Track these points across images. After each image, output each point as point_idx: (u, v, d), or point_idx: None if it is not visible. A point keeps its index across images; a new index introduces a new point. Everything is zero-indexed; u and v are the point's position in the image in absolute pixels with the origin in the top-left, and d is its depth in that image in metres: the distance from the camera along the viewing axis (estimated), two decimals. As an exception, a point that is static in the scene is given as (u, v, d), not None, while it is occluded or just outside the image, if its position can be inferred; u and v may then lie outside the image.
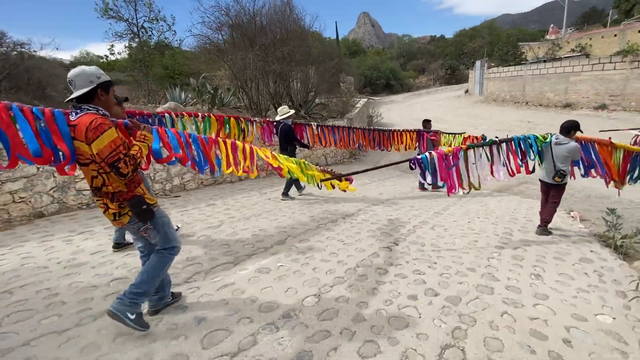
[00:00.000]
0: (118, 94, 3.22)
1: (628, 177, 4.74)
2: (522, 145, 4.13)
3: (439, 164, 3.58)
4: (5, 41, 18.07)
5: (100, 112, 1.95)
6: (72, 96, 1.93)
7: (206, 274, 3.10)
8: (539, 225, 4.62)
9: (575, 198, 6.75)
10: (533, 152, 4.19)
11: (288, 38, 8.92)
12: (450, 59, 50.46)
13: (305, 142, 6.14)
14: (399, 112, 25.49)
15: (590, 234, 4.71)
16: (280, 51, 8.41)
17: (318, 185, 4.04)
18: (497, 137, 3.99)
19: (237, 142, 3.13)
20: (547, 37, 36.63)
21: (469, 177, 3.82)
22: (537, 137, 4.19)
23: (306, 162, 3.98)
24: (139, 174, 2.21)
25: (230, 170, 3.07)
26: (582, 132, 4.40)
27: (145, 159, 2.17)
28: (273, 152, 3.51)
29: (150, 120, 3.90)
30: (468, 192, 3.93)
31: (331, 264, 3.36)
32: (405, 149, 7.23)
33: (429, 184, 3.76)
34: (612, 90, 16.87)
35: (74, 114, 1.95)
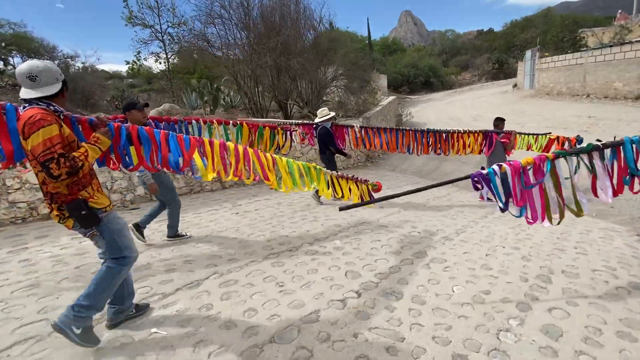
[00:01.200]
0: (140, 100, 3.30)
1: None
2: (635, 152, 2.62)
3: (512, 181, 2.40)
4: (57, 54, 19.42)
5: (51, 107, 1.83)
6: (42, 94, 1.82)
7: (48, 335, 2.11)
8: None
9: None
10: None
11: (284, 27, 7.87)
12: (499, 52, 46.14)
13: (347, 144, 5.74)
14: (436, 110, 23.34)
15: (683, 282, 3.02)
16: (274, 41, 7.38)
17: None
18: (599, 140, 2.63)
19: (229, 143, 2.82)
20: (615, 23, 31.86)
21: (562, 199, 2.54)
22: None
23: (318, 167, 3.53)
24: (89, 175, 1.99)
25: (213, 174, 2.70)
26: None
27: (91, 162, 1.92)
28: (275, 156, 3.09)
29: (176, 127, 3.76)
30: (559, 223, 2.61)
31: (231, 334, 2.17)
32: (464, 153, 5.85)
33: (503, 211, 2.53)
34: None
35: (21, 108, 1.86)
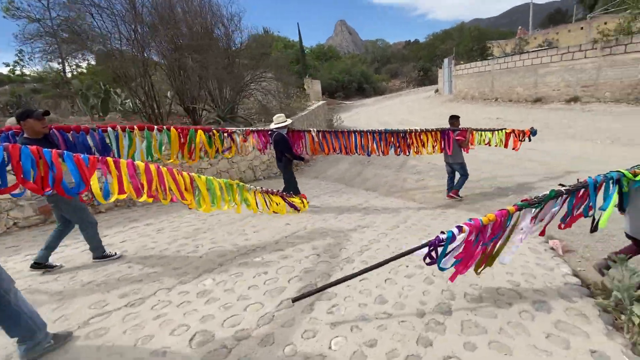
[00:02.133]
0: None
1: None
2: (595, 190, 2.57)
3: (467, 241, 2.24)
4: None
5: None
6: None
7: None
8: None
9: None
10: (617, 197, 2.51)
11: (181, 21, 6.82)
12: (424, 61, 49.81)
13: (304, 150, 5.66)
14: (367, 115, 23.80)
15: (580, 290, 2.75)
16: (164, 35, 6.29)
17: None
18: (562, 185, 2.55)
19: (139, 162, 2.59)
20: (516, 37, 36.47)
21: (490, 250, 2.47)
22: (623, 175, 2.49)
23: (241, 184, 3.54)
24: None
25: (124, 196, 2.49)
26: None
27: None
28: (193, 175, 2.99)
29: (87, 137, 3.41)
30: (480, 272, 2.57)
31: None
32: (424, 152, 5.88)
33: (440, 268, 2.32)
34: (584, 81, 15.54)
35: None
